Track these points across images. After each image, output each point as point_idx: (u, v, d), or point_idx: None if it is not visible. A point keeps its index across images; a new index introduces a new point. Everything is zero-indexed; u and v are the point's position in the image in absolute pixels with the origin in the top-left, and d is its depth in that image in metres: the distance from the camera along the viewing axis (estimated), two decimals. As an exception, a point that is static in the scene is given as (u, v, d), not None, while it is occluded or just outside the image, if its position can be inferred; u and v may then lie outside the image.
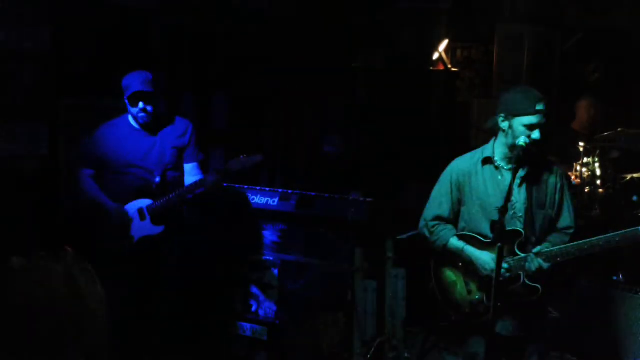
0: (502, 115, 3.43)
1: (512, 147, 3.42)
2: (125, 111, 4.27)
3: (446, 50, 7.74)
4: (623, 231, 3.34)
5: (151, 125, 4.20)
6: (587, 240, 3.37)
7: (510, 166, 3.46)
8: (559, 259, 3.39)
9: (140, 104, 4.08)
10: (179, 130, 4.28)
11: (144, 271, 4.24)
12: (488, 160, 3.55)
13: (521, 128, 3.35)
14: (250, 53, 6.38)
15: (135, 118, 4.16)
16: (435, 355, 4.87)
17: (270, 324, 4.62)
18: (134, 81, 4.08)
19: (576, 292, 4.82)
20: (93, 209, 4.25)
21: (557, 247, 3.40)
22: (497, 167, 3.53)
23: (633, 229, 3.33)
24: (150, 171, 4.18)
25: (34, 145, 5.05)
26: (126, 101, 4.14)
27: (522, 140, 3.34)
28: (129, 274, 4.21)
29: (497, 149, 3.54)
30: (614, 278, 5.32)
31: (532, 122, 3.33)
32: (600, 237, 3.36)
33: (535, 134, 3.33)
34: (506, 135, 3.43)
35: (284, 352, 4.63)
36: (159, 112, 4.20)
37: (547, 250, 3.40)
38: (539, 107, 3.32)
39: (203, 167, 4.41)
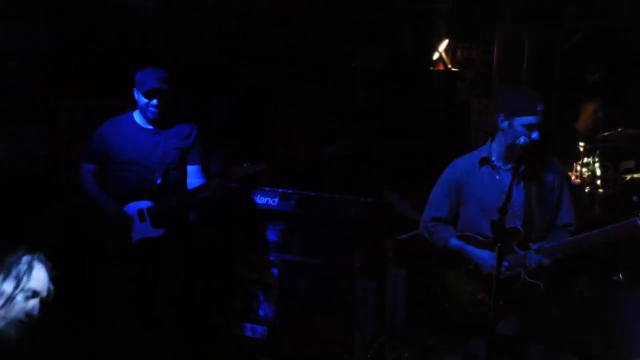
0: (502, 114, 3.45)
1: (512, 147, 3.43)
2: (129, 109, 4.27)
3: (446, 50, 7.74)
4: (622, 222, 3.34)
5: (158, 123, 4.20)
6: (587, 234, 3.37)
7: (508, 166, 3.49)
8: (558, 255, 3.39)
9: (155, 101, 4.09)
10: (183, 131, 4.28)
11: (143, 272, 4.23)
12: (485, 161, 3.57)
13: (521, 128, 3.38)
14: (250, 53, 6.38)
15: (144, 112, 4.16)
16: (435, 356, 4.88)
17: (270, 324, 4.62)
18: (151, 77, 4.09)
19: (576, 292, 4.83)
20: (92, 208, 4.25)
21: (557, 242, 3.41)
22: (494, 167, 3.55)
23: (631, 219, 3.33)
24: (152, 170, 4.18)
25: (34, 145, 5.05)
26: (137, 95, 4.13)
27: (522, 140, 3.36)
28: (128, 274, 4.21)
29: (495, 149, 3.56)
30: (614, 278, 5.33)
31: (532, 122, 3.36)
32: (600, 230, 3.36)
33: (535, 134, 3.36)
34: (505, 135, 3.46)
35: (284, 352, 4.63)
36: (167, 111, 4.20)
37: (546, 246, 3.40)
38: (539, 107, 3.35)
39: (205, 169, 4.40)
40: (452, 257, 3.61)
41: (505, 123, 3.45)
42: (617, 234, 3.35)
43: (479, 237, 3.53)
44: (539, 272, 3.42)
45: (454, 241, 3.58)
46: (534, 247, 3.42)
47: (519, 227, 3.45)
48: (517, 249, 3.46)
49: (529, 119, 3.36)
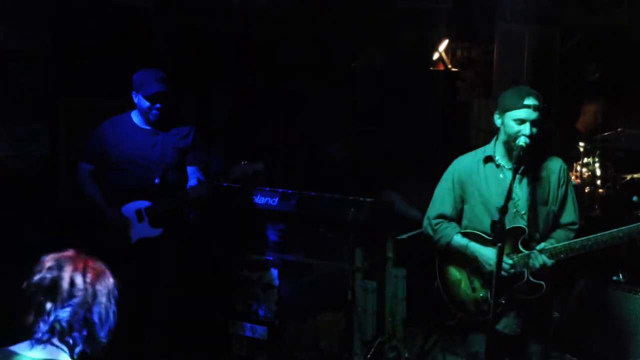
0: (497, 112, 3.50)
1: (509, 144, 3.44)
2: (127, 109, 4.27)
3: (446, 50, 7.75)
4: (627, 227, 3.34)
5: (159, 124, 4.20)
6: (591, 236, 3.37)
7: (510, 165, 3.48)
8: (562, 256, 3.39)
9: (159, 105, 4.08)
10: (182, 131, 4.28)
11: (142, 272, 4.23)
12: (489, 159, 3.58)
13: (511, 122, 3.41)
14: (250, 53, 6.39)
15: (145, 115, 4.15)
16: (436, 355, 4.88)
17: (270, 324, 4.61)
18: (151, 79, 4.08)
19: (576, 292, 4.82)
20: (90, 208, 4.25)
21: (561, 244, 3.40)
22: (498, 166, 3.55)
23: (637, 224, 3.33)
24: (150, 170, 4.18)
25: (34, 145, 5.05)
26: (137, 98, 4.12)
27: (522, 141, 3.36)
28: (127, 275, 4.20)
29: (498, 147, 3.57)
30: (614, 278, 5.33)
31: (521, 117, 3.38)
32: (604, 233, 3.36)
33: (526, 129, 3.36)
34: (502, 133, 3.48)
35: (284, 352, 4.63)
36: (167, 111, 4.19)
37: (550, 246, 3.40)
38: (527, 101, 3.38)
39: (205, 170, 4.40)
40: (456, 255, 3.60)
41: (499, 120, 3.49)
42: (622, 237, 3.35)
43: (482, 234, 3.53)
44: (543, 273, 3.42)
45: (458, 238, 3.58)
46: (537, 247, 3.42)
47: (524, 226, 3.45)
48: (521, 248, 3.46)
49: (518, 113, 3.38)
